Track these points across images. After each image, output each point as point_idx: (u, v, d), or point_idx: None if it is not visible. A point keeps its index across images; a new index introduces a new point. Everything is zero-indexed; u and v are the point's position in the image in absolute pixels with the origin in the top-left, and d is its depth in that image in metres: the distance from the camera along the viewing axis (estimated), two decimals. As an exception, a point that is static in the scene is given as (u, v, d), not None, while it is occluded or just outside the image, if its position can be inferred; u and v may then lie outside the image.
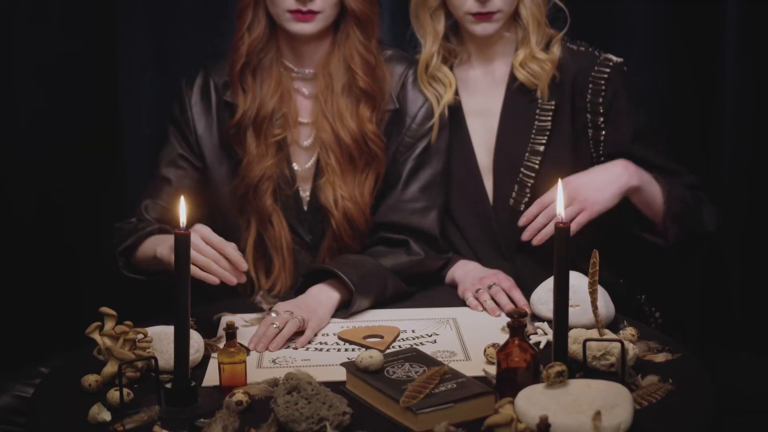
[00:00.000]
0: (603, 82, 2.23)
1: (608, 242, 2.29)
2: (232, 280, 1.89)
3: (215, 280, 1.87)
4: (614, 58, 2.26)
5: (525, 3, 2.25)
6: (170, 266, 1.87)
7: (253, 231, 2.27)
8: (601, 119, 2.23)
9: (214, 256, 1.88)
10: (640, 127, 2.24)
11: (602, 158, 2.24)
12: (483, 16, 2.21)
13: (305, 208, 2.29)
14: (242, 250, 2.27)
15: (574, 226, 2.06)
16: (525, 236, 2.16)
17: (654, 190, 2.17)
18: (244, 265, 1.90)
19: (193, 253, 1.82)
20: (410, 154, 2.27)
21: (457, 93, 2.31)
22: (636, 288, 2.38)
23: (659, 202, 2.16)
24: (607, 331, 1.80)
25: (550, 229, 2.12)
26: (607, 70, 2.23)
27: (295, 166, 2.28)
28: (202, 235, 1.89)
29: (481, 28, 2.23)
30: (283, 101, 2.25)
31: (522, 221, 2.17)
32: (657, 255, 2.37)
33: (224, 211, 2.29)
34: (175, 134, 2.30)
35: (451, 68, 2.33)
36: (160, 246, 2.02)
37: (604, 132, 2.23)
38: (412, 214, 2.25)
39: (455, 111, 2.31)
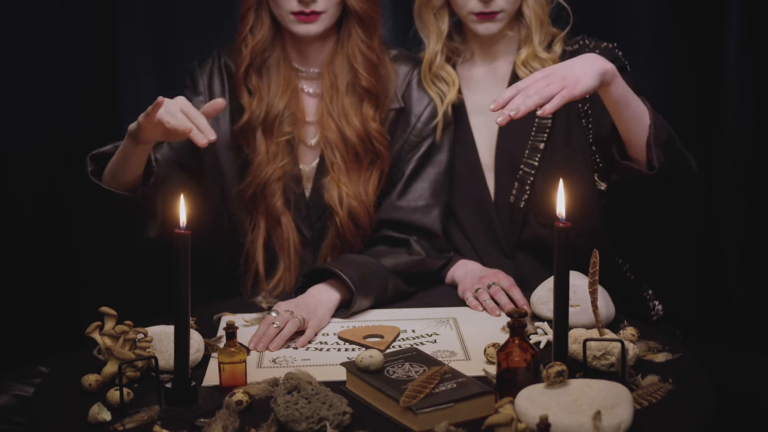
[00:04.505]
0: None
1: (620, 237, 2.30)
2: (200, 141, 1.84)
3: (190, 132, 1.84)
4: (603, 44, 2.25)
5: (528, 2, 2.25)
6: (137, 136, 1.89)
7: (263, 232, 2.26)
8: (587, 105, 2.22)
9: (182, 120, 1.85)
10: None
11: (593, 147, 2.24)
12: (486, 16, 2.21)
13: (306, 205, 2.29)
14: (250, 250, 2.27)
15: (558, 99, 1.82)
16: (502, 120, 1.82)
17: (637, 104, 1.97)
18: (212, 136, 1.85)
19: (163, 112, 1.83)
20: (415, 153, 2.27)
21: (460, 91, 2.32)
22: (644, 284, 2.38)
23: (645, 121, 1.96)
24: (607, 330, 1.80)
25: (530, 101, 1.81)
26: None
27: (301, 165, 2.29)
28: (180, 104, 1.87)
29: (484, 28, 2.24)
30: (291, 100, 2.25)
31: (493, 106, 1.85)
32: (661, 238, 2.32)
33: (229, 202, 2.28)
34: None
35: (454, 66, 2.33)
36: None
37: (591, 118, 2.23)
38: (414, 211, 2.25)
39: (458, 109, 2.32)
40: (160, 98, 1.85)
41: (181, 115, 1.86)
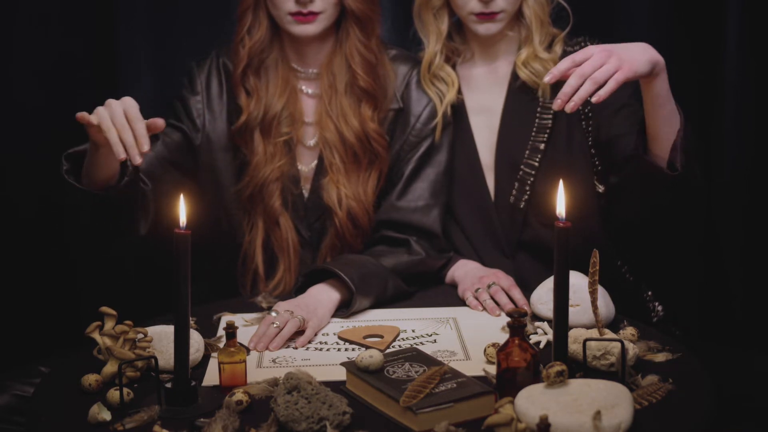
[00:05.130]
0: None
1: (619, 237, 2.30)
2: (120, 153, 1.79)
3: (120, 153, 1.79)
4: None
5: (528, 3, 2.25)
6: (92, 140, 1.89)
7: (261, 232, 2.26)
8: (588, 107, 2.22)
9: (121, 126, 1.81)
10: (624, 102, 2.17)
11: (592, 149, 2.24)
12: (486, 16, 2.22)
13: (305, 205, 2.29)
14: (248, 250, 2.27)
15: (612, 84, 1.83)
16: (556, 105, 1.84)
17: (672, 104, 1.98)
18: (144, 147, 1.80)
19: (105, 117, 1.81)
20: (414, 154, 2.27)
21: (460, 91, 2.32)
22: (644, 285, 2.38)
23: (676, 122, 1.98)
24: (607, 330, 1.80)
25: (584, 91, 1.82)
26: None
27: (300, 166, 2.29)
28: (125, 106, 1.83)
29: (485, 28, 2.24)
30: (290, 101, 2.25)
31: (548, 78, 1.86)
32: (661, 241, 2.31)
33: (226, 203, 2.29)
34: (180, 109, 2.28)
35: (453, 66, 2.33)
36: None
37: (591, 121, 2.23)
38: (414, 212, 2.25)
39: (458, 109, 2.32)
40: (96, 110, 1.82)
41: (122, 119, 1.80)
